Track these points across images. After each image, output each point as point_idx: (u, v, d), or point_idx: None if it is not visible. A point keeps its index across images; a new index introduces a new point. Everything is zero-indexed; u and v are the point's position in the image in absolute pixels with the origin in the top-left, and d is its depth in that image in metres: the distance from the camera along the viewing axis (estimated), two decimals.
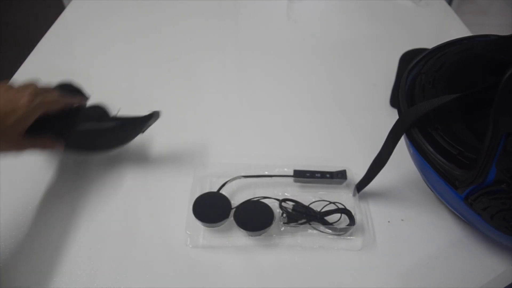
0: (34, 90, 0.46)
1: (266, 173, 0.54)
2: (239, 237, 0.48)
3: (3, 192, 0.53)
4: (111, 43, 0.73)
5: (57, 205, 0.52)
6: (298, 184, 0.54)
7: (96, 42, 0.82)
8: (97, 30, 0.86)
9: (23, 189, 0.54)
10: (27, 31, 1.13)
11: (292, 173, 0.53)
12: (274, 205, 0.49)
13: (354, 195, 0.51)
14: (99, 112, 0.56)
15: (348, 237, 0.48)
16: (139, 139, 0.56)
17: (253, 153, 0.57)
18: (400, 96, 0.49)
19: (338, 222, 0.49)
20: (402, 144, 0.47)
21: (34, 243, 0.48)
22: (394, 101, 0.68)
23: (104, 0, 0.94)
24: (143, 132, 0.55)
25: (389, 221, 0.51)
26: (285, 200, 0.50)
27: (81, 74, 0.75)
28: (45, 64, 0.76)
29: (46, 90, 0.48)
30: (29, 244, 0.48)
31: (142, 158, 0.58)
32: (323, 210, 0.49)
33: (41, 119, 0.46)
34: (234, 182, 0.53)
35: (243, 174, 0.53)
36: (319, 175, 0.53)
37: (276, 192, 0.52)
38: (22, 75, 0.72)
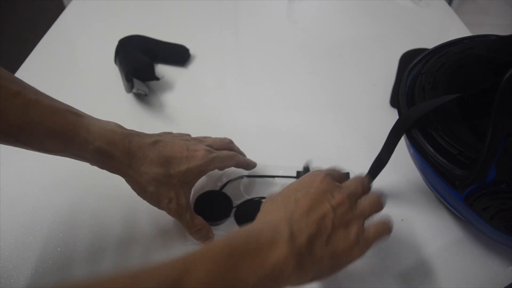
0: (211, 145, 0.47)
1: (269, 173, 0.54)
2: None
3: (3, 192, 0.53)
4: (111, 43, 0.73)
5: (58, 205, 0.52)
6: None
7: (96, 42, 0.82)
8: (97, 30, 0.86)
9: (23, 189, 0.54)
10: (27, 31, 1.13)
11: (295, 174, 0.53)
12: None
13: None
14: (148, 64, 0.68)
15: None
16: None
17: (256, 154, 0.57)
18: (400, 97, 0.49)
19: None
20: (402, 144, 0.47)
21: (34, 243, 0.48)
22: (394, 101, 0.68)
23: (104, 0, 0.94)
24: (135, 90, 0.64)
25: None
26: None
27: (81, 74, 0.75)
28: (45, 64, 0.76)
29: (217, 147, 0.49)
30: (29, 244, 0.48)
31: None
32: None
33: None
34: (236, 182, 0.53)
35: (246, 174, 0.53)
36: None
37: None
38: (22, 75, 0.72)
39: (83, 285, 0.26)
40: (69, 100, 0.43)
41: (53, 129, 0.39)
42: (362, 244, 0.37)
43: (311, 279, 0.35)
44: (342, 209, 0.37)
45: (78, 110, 0.43)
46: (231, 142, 0.52)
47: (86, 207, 0.52)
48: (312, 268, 0.34)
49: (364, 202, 0.40)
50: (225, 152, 0.49)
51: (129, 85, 0.65)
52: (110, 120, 0.44)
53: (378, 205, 0.41)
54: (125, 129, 0.44)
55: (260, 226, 0.35)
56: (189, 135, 0.51)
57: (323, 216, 0.36)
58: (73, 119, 0.40)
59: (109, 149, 0.41)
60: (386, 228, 0.40)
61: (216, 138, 0.51)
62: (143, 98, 0.68)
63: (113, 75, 0.72)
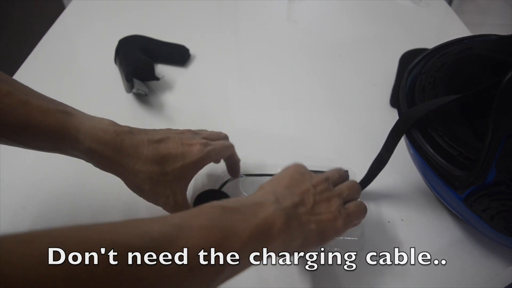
0: (207, 137, 0.47)
1: (269, 172, 0.54)
2: None
3: (3, 192, 0.53)
4: (111, 43, 0.73)
5: (58, 205, 0.52)
6: None
7: (96, 42, 0.82)
8: (97, 30, 0.86)
9: (23, 189, 0.54)
10: (27, 31, 1.13)
11: None
12: None
13: None
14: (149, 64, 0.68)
15: (348, 238, 0.48)
16: None
17: (255, 152, 0.57)
18: (400, 97, 0.49)
19: None
20: (402, 145, 0.47)
21: None
22: (394, 101, 0.68)
23: (104, 0, 0.94)
24: (135, 90, 0.64)
25: (389, 221, 0.51)
26: None
27: (81, 74, 0.75)
28: (45, 64, 0.76)
29: (213, 139, 0.48)
30: None
31: None
32: None
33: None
34: (235, 181, 0.53)
35: (245, 173, 0.54)
36: None
37: None
38: (22, 75, 0.72)
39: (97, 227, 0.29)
40: (69, 100, 0.43)
41: (43, 129, 0.39)
42: (344, 217, 0.40)
43: (300, 246, 0.36)
44: (321, 187, 0.41)
45: (70, 108, 0.42)
46: (227, 136, 0.51)
47: (86, 207, 0.52)
48: (299, 231, 0.36)
49: (342, 185, 0.43)
50: (220, 143, 0.48)
51: (129, 85, 0.65)
52: (110, 119, 0.44)
53: (355, 189, 0.44)
54: (119, 126, 0.43)
55: (246, 198, 0.37)
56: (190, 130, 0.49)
57: (304, 191, 0.39)
58: (63, 118, 0.40)
59: (100, 149, 0.41)
60: (363, 207, 0.43)
61: (212, 131, 0.50)
62: (143, 98, 0.68)
63: (113, 75, 0.72)
